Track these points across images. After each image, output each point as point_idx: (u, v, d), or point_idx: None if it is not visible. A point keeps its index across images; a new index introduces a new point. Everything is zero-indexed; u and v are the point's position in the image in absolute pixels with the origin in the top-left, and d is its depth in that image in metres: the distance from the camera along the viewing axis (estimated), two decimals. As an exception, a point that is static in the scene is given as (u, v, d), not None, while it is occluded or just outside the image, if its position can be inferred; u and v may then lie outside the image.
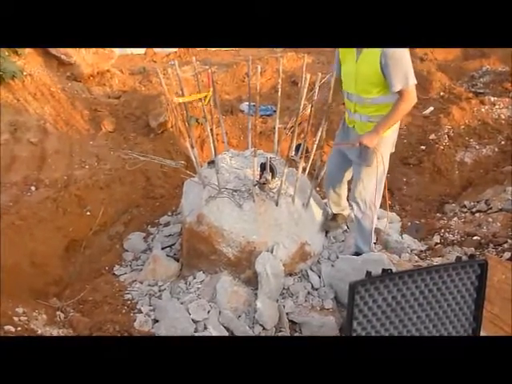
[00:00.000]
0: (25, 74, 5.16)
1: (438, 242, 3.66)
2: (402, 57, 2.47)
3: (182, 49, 8.51)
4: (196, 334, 2.73)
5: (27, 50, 5.51)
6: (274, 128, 3.69)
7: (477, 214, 3.97)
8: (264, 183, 3.03)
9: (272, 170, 3.02)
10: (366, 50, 2.57)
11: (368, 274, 1.44)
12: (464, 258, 1.56)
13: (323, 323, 2.79)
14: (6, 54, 5.07)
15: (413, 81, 2.50)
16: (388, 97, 2.61)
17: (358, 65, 2.61)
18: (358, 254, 3.19)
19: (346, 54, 2.75)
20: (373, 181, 2.85)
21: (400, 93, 2.52)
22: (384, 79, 2.53)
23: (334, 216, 3.43)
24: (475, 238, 3.53)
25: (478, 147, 5.02)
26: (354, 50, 2.66)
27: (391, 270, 1.48)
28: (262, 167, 3.01)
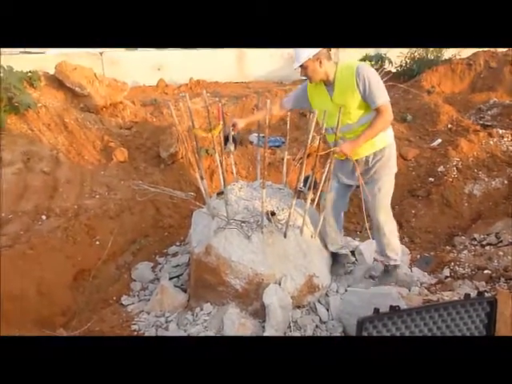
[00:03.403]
0: (39, 105, 5.29)
1: (448, 275, 3.62)
2: (375, 75, 2.70)
3: (193, 81, 8.71)
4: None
5: (43, 83, 5.68)
6: (283, 159, 3.73)
7: (487, 247, 3.93)
8: (273, 214, 3.06)
9: (234, 141, 3.15)
10: (338, 84, 2.75)
11: (376, 310, 1.43)
12: (473, 294, 1.55)
13: (331, 358, 2.74)
14: (23, 86, 5.23)
15: (387, 97, 2.72)
16: (371, 114, 2.78)
17: (336, 99, 2.76)
18: (387, 268, 3.31)
19: (316, 93, 2.94)
20: (388, 193, 3.07)
21: (378, 110, 2.70)
22: (364, 101, 2.72)
23: (335, 258, 3.43)
24: (486, 271, 3.48)
25: (487, 179, 5.01)
26: (324, 87, 2.85)
27: (399, 306, 1.47)
28: (225, 139, 3.11)
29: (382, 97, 2.68)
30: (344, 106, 2.69)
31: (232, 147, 3.13)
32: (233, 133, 3.10)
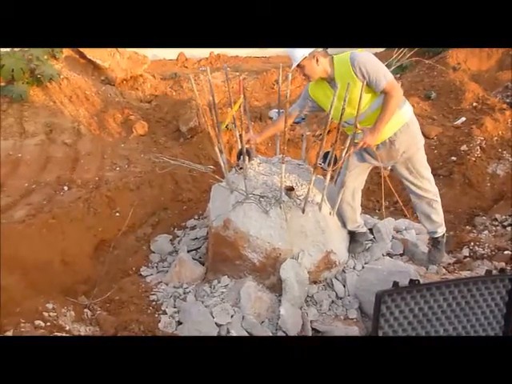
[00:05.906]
0: (61, 77, 5.32)
1: (467, 255, 3.58)
2: (369, 59, 2.66)
3: (213, 55, 8.63)
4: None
5: (64, 54, 5.70)
6: (303, 135, 3.69)
7: (508, 228, 3.86)
8: (292, 189, 3.06)
9: (248, 154, 3.19)
10: (338, 79, 2.71)
11: (395, 284, 1.43)
12: (494, 272, 1.53)
13: (347, 333, 2.76)
14: (45, 57, 5.25)
15: (390, 75, 2.67)
16: (379, 97, 2.74)
17: (342, 93, 2.64)
18: (437, 241, 3.28)
19: (321, 93, 2.89)
20: (425, 165, 3.09)
21: (385, 91, 2.66)
22: (369, 87, 2.67)
23: (353, 236, 3.40)
24: (506, 252, 3.43)
25: (511, 159, 4.89)
26: (327, 85, 2.82)
27: (418, 281, 1.47)
28: (239, 153, 3.16)
29: (383, 77, 2.62)
30: (356, 97, 2.64)
31: (246, 161, 3.15)
32: (247, 146, 3.13)
